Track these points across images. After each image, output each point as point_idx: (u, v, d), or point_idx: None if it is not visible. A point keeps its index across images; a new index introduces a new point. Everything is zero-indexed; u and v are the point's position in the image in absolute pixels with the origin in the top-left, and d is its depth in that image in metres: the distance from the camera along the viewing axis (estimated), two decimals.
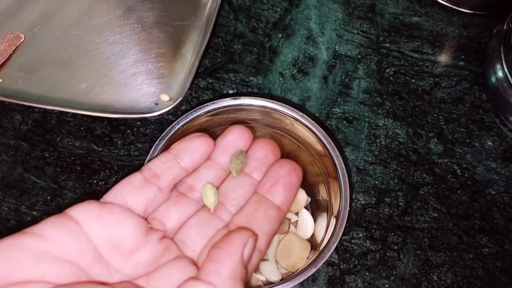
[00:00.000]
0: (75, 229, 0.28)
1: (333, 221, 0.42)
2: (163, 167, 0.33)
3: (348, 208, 0.41)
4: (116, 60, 0.46)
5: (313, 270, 0.39)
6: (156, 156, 0.43)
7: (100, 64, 0.47)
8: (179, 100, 0.44)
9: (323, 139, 0.43)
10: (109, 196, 0.31)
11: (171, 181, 0.33)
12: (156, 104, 0.45)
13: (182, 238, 0.32)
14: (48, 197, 0.53)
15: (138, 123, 0.56)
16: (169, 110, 0.45)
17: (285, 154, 0.50)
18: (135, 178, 0.32)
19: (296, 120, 0.43)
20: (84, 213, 0.29)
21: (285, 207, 0.33)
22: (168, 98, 0.46)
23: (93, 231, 0.28)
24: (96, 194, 0.53)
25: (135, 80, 0.45)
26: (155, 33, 0.48)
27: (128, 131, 0.56)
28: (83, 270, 0.28)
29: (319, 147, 0.44)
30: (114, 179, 0.54)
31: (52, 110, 0.51)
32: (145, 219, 0.31)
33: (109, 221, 0.29)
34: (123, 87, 0.45)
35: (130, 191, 0.31)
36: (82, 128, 0.56)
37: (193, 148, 0.35)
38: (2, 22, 0.52)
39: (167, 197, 0.33)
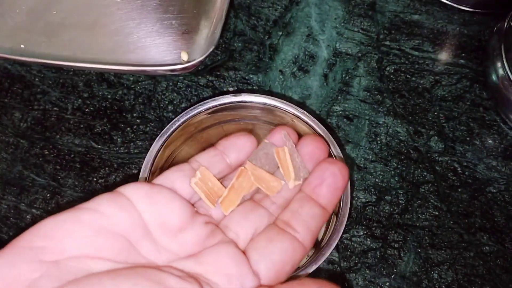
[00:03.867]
0: (128, 205, 0.29)
1: (333, 218, 0.42)
2: (210, 160, 0.35)
3: (348, 205, 0.41)
4: (139, 18, 0.46)
5: (313, 268, 0.39)
6: (155, 153, 0.43)
7: (123, 24, 0.46)
8: (208, 53, 0.43)
9: (324, 136, 0.42)
10: (158, 180, 0.33)
11: (216, 175, 0.35)
12: (184, 60, 0.44)
13: (226, 223, 0.33)
14: (48, 195, 0.53)
15: (138, 120, 0.55)
16: (198, 63, 0.44)
17: None
18: (184, 167, 0.34)
19: (297, 117, 0.43)
20: (135, 191, 0.30)
21: (329, 208, 0.34)
22: (187, 57, 0.45)
23: (143, 208, 0.29)
24: (96, 192, 0.53)
25: (160, 37, 0.45)
26: None
27: (128, 128, 0.55)
28: (133, 246, 0.28)
29: None
30: (114, 176, 0.53)
31: (74, 69, 0.49)
32: (192, 204, 0.33)
33: (158, 200, 0.30)
34: (148, 44, 0.45)
35: (179, 177, 0.33)
36: (81, 126, 0.56)
37: (239, 145, 0.36)
38: None
39: None
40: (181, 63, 0.44)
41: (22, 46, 0.46)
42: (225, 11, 0.45)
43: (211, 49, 0.43)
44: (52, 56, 0.46)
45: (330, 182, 0.34)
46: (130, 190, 0.30)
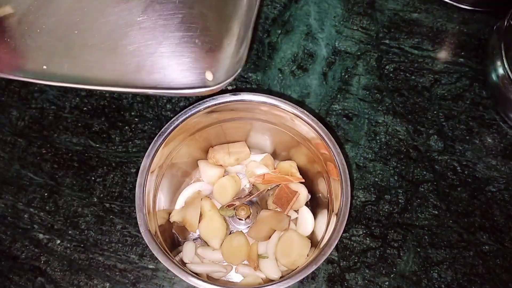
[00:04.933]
0: None
1: (333, 218, 0.42)
2: None
3: (349, 205, 0.40)
4: (162, 37, 0.44)
5: (314, 267, 0.39)
6: (154, 152, 0.42)
7: (145, 43, 0.45)
8: (236, 74, 0.42)
9: (324, 135, 0.42)
10: None
11: None
12: (208, 80, 0.43)
13: None
14: (46, 194, 0.53)
15: (136, 119, 0.55)
16: (225, 84, 0.43)
17: (285, 151, 0.50)
18: None
19: (297, 116, 0.43)
20: None
21: None
22: (212, 77, 0.44)
23: None
24: (93, 190, 0.53)
25: (183, 56, 0.44)
26: (197, 8, 0.46)
27: (126, 127, 0.55)
28: None
29: (319, 144, 0.43)
30: (112, 175, 0.53)
31: (91, 91, 0.48)
32: None
33: None
34: (172, 64, 0.43)
35: None
36: (79, 125, 0.55)
37: None
38: (39, 7, 0.49)
39: None
40: (207, 86, 0.43)
41: (44, 67, 0.46)
42: (251, 29, 0.44)
43: (239, 70, 0.42)
44: (75, 79, 0.45)
45: None
46: None
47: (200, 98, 0.45)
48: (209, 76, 0.44)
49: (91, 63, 0.46)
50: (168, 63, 0.44)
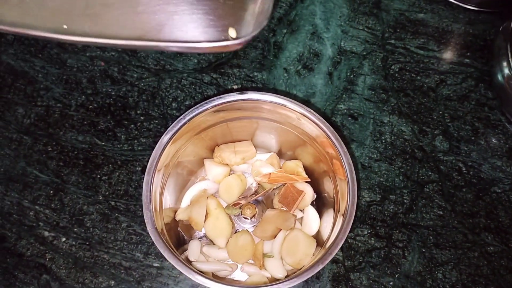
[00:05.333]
0: None
1: (340, 217, 0.42)
2: None
3: (355, 205, 0.40)
4: None
5: (320, 267, 0.39)
6: (161, 151, 0.43)
7: (167, 2, 0.45)
8: (261, 28, 0.42)
9: (330, 135, 0.42)
10: None
11: None
12: (232, 38, 0.43)
13: None
14: (51, 192, 0.53)
15: (142, 117, 0.55)
16: (250, 38, 0.43)
17: (291, 150, 0.50)
18: None
19: (304, 115, 0.43)
20: None
21: None
22: (235, 34, 0.44)
23: None
24: (99, 188, 0.53)
25: (206, 13, 0.43)
26: None
27: (132, 125, 0.55)
28: None
29: (326, 143, 0.43)
30: (117, 173, 0.53)
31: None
32: None
33: None
34: (194, 21, 0.43)
35: None
36: (85, 123, 0.55)
37: None
38: None
39: None
40: (231, 39, 0.42)
41: (65, 26, 0.45)
42: None
43: (264, 23, 0.41)
44: (97, 35, 0.44)
45: None
46: None
47: (207, 97, 0.45)
48: (232, 33, 0.43)
49: (112, 21, 0.45)
50: (190, 21, 0.43)
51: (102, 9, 0.45)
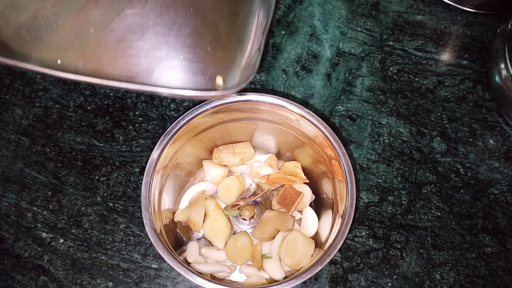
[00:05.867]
0: None
1: (338, 218, 0.42)
2: None
3: (354, 206, 0.40)
4: (175, 43, 0.45)
5: (319, 268, 0.39)
6: (160, 152, 0.42)
7: (159, 47, 0.45)
8: (248, 80, 0.42)
9: (329, 136, 0.42)
10: None
11: None
12: (219, 85, 0.44)
13: None
14: (49, 193, 0.52)
15: (140, 119, 0.55)
16: (235, 90, 0.44)
17: (290, 151, 0.50)
18: None
19: (303, 117, 0.43)
20: None
21: None
22: (222, 82, 0.45)
23: None
24: (97, 189, 0.53)
25: (196, 62, 0.44)
26: (210, 17, 0.47)
27: (130, 127, 0.55)
28: None
29: (324, 144, 0.43)
30: (115, 175, 0.53)
31: (96, 90, 0.49)
32: None
33: None
34: (184, 69, 0.44)
35: None
36: (83, 124, 0.55)
37: None
38: (56, 3, 0.49)
39: None
40: (218, 87, 0.43)
41: (59, 61, 0.46)
42: (263, 40, 0.45)
43: (250, 78, 0.42)
44: (89, 72, 0.45)
45: None
46: None
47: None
48: (220, 81, 0.44)
49: (105, 61, 0.46)
50: (179, 66, 0.44)
51: (97, 48, 0.46)
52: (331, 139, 0.42)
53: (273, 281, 0.45)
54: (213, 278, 0.45)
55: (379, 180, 0.53)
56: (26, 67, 0.45)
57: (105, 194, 0.53)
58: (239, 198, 0.49)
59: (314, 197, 0.49)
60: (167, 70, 0.45)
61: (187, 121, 0.43)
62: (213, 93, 0.44)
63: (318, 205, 0.50)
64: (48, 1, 0.48)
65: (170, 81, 0.43)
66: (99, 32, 0.46)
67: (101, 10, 0.47)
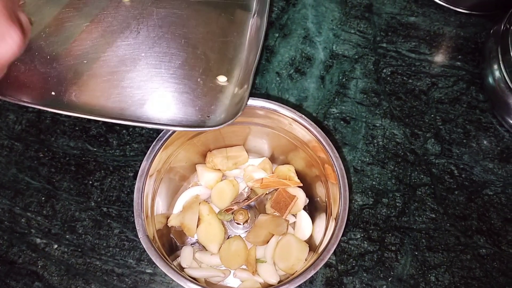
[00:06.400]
0: None
1: (332, 222, 0.42)
2: None
3: (347, 210, 0.40)
4: (166, 74, 0.46)
5: (312, 272, 0.39)
6: (153, 157, 0.42)
7: (151, 79, 0.46)
8: (238, 115, 0.43)
9: (322, 140, 0.42)
10: None
11: None
12: (208, 117, 0.44)
13: None
14: (43, 198, 0.52)
15: None
16: (224, 125, 0.44)
17: (283, 155, 0.50)
18: None
19: (295, 121, 0.43)
20: None
21: None
22: (226, 79, 0.45)
23: None
24: (91, 194, 0.52)
25: (186, 93, 0.45)
26: (201, 49, 0.48)
27: (124, 131, 0.55)
28: None
29: (317, 147, 0.43)
30: (109, 179, 0.53)
31: (96, 120, 0.50)
32: None
33: None
34: (174, 100, 0.45)
35: None
36: (77, 128, 0.55)
37: None
38: (49, 34, 0.50)
39: None
40: (207, 126, 0.44)
41: (53, 93, 0.46)
42: (253, 74, 0.45)
43: (239, 112, 0.43)
44: (81, 108, 0.46)
45: None
46: None
47: None
48: (222, 79, 0.45)
49: (98, 92, 0.47)
50: (171, 99, 0.46)
51: (89, 79, 0.47)
52: (324, 143, 0.42)
53: (267, 286, 0.45)
54: (207, 284, 0.45)
55: (374, 183, 0.53)
56: (17, 102, 0.46)
57: (99, 199, 0.52)
58: (233, 203, 0.49)
59: (308, 200, 0.49)
60: (158, 101, 0.46)
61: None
62: (201, 129, 0.44)
63: (312, 209, 0.49)
64: (42, 31, 0.48)
65: (162, 112, 0.44)
66: (92, 63, 0.46)
67: (94, 41, 0.48)
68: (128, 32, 0.48)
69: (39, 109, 0.46)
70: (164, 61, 0.47)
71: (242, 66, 0.48)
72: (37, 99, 0.45)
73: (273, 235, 0.46)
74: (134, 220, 0.41)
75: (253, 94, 0.56)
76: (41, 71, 0.47)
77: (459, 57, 0.59)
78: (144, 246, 0.40)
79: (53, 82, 0.46)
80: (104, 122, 0.55)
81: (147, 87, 0.45)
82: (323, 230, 0.45)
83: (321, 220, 0.46)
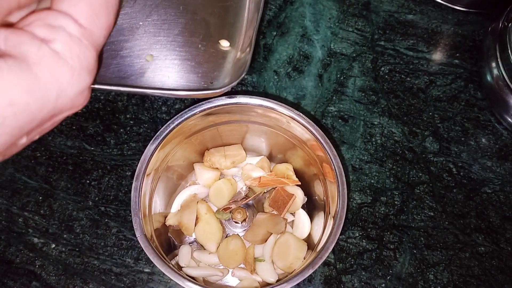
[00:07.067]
0: None
1: (330, 220, 0.42)
2: None
3: (346, 208, 0.40)
4: (165, 42, 0.45)
5: (311, 271, 0.38)
6: (150, 155, 0.42)
7: (150, 47, 0.46)
8: (240, 78, 0.42)
9: (320, 138, 0.42)
10: None
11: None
12: (211, 83, 0.43)
13: None
14: (40, 198, 0.52)
15: (132, 122, 0.55)
16: (227, 88, 0.43)
17: (281, 153, 0.50)
18: None
19: (293, 119, 0.43)
20: None
21: None
22: (229, 44, 0.45)
23: None
24: (88, 193, 0.52)
25: (187, 60, 0.44)
26: (200, 15, 0.47)
27: (121, 130, 0.55)
28: None
29: (315, 146, 0.43)
30: (107, 178, 0.53)
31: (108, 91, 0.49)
32: None
33: None
34: (175, 67, 0.44)
35: None
36: (74, 127, 0.55)
37: None
38: None
39: None
40: (210, 89, 0.43)
41: None
42: (254, 37, 0.45)
43: (242, 75, 0.42)
44: None
45: None
46: None
47: (196, 101, 0.45)
48: (225, 43, 0.44)
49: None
50: (171, 66, 0.44)
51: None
52: (322, 141, 0.42)
53: (266, 284, 0.45)
54: (205, 282, 0.45)
55: (372, 181, 0.53)
56: None
57: (97, 198, 0.52)
58: (230, 201, 0.49)
59: (306, 199, 0.49)
60: (159, 69, 0.45)
61: (178, 124, 0.43)
62: (205, 92, 0.44)
63: (311, 207, 0.49)
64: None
65: (162, 81, 0.43)
66: None
67: None
68: (124, 2, 0.48)
69: None
70: (163, 29, 0.46)
71: (244, 30, 0.47)
72: None
73: (271, 233, 0.46)
74: (131, 219, 0.40)
75: (251, 92, 0.56)
76: None
77: (457, 55, 0.59)
78: (142, 246, 0.39)
79: None
80: (101, 121, 0.55)
81: (145, 56, 0.44)
82: (322, 228, 0.44)
83: (320, 218, 0.46)
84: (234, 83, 0.42)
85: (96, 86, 0.46)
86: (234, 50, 0.45)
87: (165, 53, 0.46)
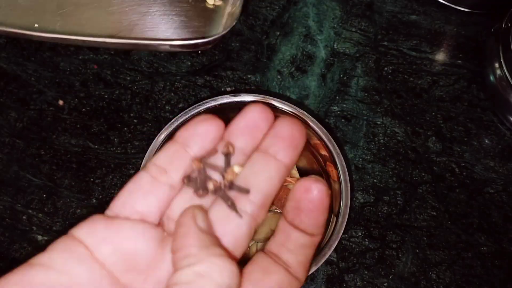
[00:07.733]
0: (86, 256, 0.25)
1: (333, 219, 0.42)
2: (170, 160, 0.29)
3: (348, 206, 0.40)
4: None
5: (313, 269, 0.39)
6: (153, 154, 0.42)
7: (138, 3, 0.45)
8: (229, 28, 0.42)
9: (324, 137, 0.42)
10: (116, 207, 0.28)
11: (182, 174, 0.29)
12: (203, 38, 0.43)
13: None
14: (44, 195, 0.52)
15: (135, 121, 0.55)
16: (220, 38, 0.42)
17: None
18: (141, 180, 0.28)
19: (297, 117, 0.43)
20: (91, 235, 0.26)
21: (317, 232, 0.30)
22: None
23: (104, 255, 0.26)
24: (92, 192, 0.53)
25: (177, 15, 0.44)
26: None
27: (125, 128, 0.55)
28: None
29: (319, 145, 0.43)
30: (110, 177, 0.53)
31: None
32: (159, 224, 0.28)
33: (119, 240, 0.26)
34: (165, 21, 0.43)
35: (139, 197, 0.28)
36: (78, 126, 0.55)
37: (202, 133, 0.29)
38: None
39: (179, 192, 0.29)
40: (202, 38, 0.42)
41: (36, 25, 0.45)
42: None
43: (232, 24, 0.41)
44: (68, 33, 0.44)
45: (309, 209, 0.29)
46: (85, 234, 0.26)
47: (199, 99, 0.45)
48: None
49: (84, 20, 0.46)
50: (161, 21, 0.44)
51: (75, 9, 0.46)
52: (326, 140, 0.42)
53: None
54: None
55: (375, 180, 0.53)
56: (2, 30, 0.44)
57: (100, 197, 0.52)
58: None
59: None
60: (149, 25, 0.44)
61: (181, 122, 0.43)
62: (195, 41, 0.43)
63: None
64: None
65: (152, 36, 0.43)
66: None
67: None
68: None
69: (23, 36, 0.44)
70: None
71: None
72: (22, 30, 0.44)
73: (274, 231, 0.46)
74: None
75: (254, 91, 0.56)
76: (23, 4, 0.46)
77: (460, 55, 0.59)
78: None
79: (36, 14, 0.45)
80: (105, 120, 0.55)
81: (135, 11, 0.44)
82: (325, 227, 0.45)
83: None
84: (224, 32, 0.41)
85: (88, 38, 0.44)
86: (226, 5, 0.44)
87: (155, 9, 0.45)
